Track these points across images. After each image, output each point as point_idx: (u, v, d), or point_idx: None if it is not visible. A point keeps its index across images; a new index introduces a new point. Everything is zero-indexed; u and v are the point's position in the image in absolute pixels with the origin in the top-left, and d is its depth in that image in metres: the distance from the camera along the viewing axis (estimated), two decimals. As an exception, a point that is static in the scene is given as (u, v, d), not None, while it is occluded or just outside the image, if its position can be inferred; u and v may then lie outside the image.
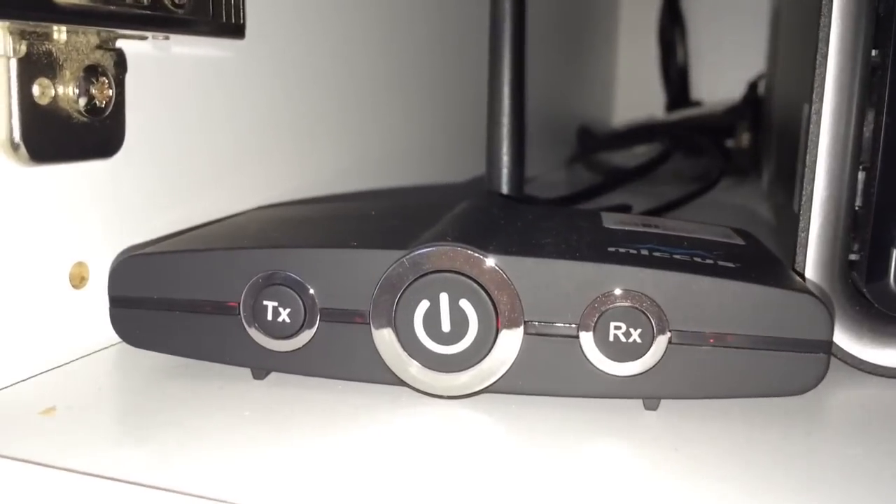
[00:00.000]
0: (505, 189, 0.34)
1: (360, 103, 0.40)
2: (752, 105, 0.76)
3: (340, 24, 0.38)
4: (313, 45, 0.36)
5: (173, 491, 0.18)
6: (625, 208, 0.44)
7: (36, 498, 0.19)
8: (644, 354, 0.22)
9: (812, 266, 0.26)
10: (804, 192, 0.25)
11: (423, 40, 0.46)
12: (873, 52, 0.25)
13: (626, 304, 0.21)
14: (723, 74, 0.86)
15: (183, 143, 0.29)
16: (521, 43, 0.33)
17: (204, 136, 0.30)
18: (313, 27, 0.36)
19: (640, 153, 0.74)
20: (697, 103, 0.90)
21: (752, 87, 0.78)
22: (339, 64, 0.38)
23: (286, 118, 0.35)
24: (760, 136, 0.72)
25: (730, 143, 0.76)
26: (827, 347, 0.21)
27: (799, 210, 0.26)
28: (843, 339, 0.26)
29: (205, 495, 0.18)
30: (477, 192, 0.32)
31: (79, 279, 0.26)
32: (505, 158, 0.34)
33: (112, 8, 0.23)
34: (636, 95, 0.94)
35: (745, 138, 0.76)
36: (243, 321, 0.23)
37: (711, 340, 0.22)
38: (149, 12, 0.24)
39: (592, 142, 0.77)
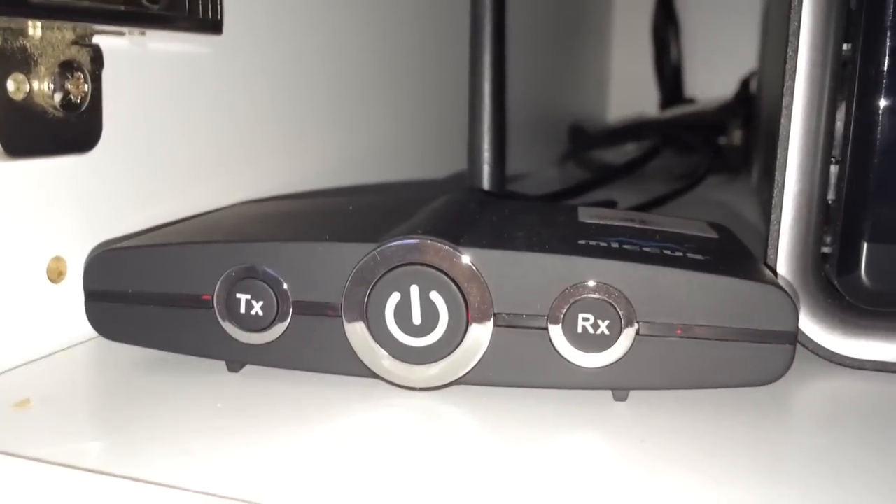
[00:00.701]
0: (486, 185, 0.34)
1: (343, 99, 0.41)
2: (744, 102, 0.77)
3: (321, 20, 0.38)
4: (293, 41, 0.36)
5: (141, 481, 0.18)
6: (610, 204, 0.44)
7: (8, 488, 0.19)
8: (612, 346, 0.22)
9: (784, 259, 0.26)
10: (776, 186, 0.26)
11: (406, 36, 0.46)
12: (844, 47, 0.26)
13: (595, 296, 0.22)
14: (716, 72, 0.86)
15: (161, 139, 0.29)
16: (501, 40, 0.34)
17: (183, 131, 0.30)
18: (293, 23, 0.36)
19: (631, 150, 0.74)
20: (691, 101, 0.91)
21: (744, 84, 0.79)
22: (320, 60, 0.38)
23: (266, 115, 0.35)
24: (751, 132, 0.72)
25: (722, 140, 0.77)
26: (792, 338, 0.22)
27: (768, 190, 0.26)
28: (816, 331, 0.26)
29: (172, 485, 0.18)
30: (458, 188, 0.33)
31: (56, 273, 0.26)
32: (486, 155, 0.34)
33: (86, 3, 0.23)
34: (630, 93, 0.94)
35: (736, 135, 0.76)
36: (217, 314, 0.23)
37: (679, 332, 0.22)
38: (123, 8, 0.25)
39: (584, 139, 0.77)
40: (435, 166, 0.49)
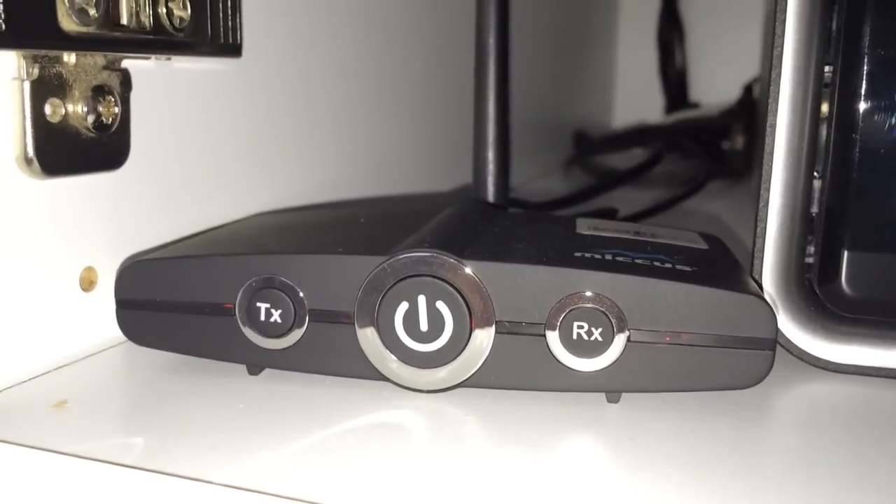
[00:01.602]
0: (490, 197, 0.35)
1: (354, 115, 0.42)
2: (747, 107, 0.78)
3: (332, 39, 0.40)
4: (308, 59, 0.38)
5: (172, 475, 0.20)
6: (610, 212, 0.46)
7: (49, 483, 0.21)
8: (605, 351, 0.23)
9: (769, 269, 0.28)
10: (761, 200, 0.27)
11: (414, 54, 0.48)
12: (826, 69, 0.27)
13: (589, 306, 0.23)
14: (720, 76, 0.87)
15: (185, 154, 0.31)
16: (505, 55, 0.35)
17: (205, 147, 0.32)
18: (308, 43, 0.38)
19: (636, 156, 0.76)
20: (695, 105, 0.92)
21: (748, 89, 0.80)
22: (333, 77, 0.40)
23: (282, 129, 0.37)
24: (754, 137, 0.73)
25: (725, 144, 0.78)
26: (772, 345, 0.23)
27: (756, 217, 0.27)
28: (799, 336, 0.27)
29: (201, 478, 0.20)
30: (462, 199, 0.34)
31: (88, 283, 0.28)
32: (490, 168, 0.36)
33: (117, 34, 0.25)
34: (635, 98, 0.96)
35: (739, 140, 0.77)
36: (238, 321, 0.25)
37: (667, 338, 0.23)
38: (151, 37, 0.27)
39: (588, 145, 0.79)
40: (442, 179, 0.51)
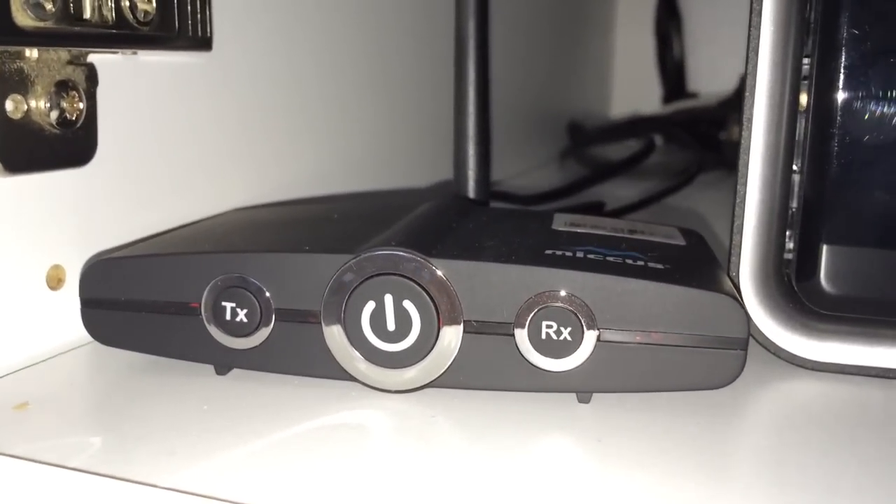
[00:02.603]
0: (471, 192, 0.35)
1: (331, 109, 0.42)
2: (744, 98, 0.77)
3: (308, 31, 0.39)
4: (281, 52, 0.37)
5: (120, 479, 0.19)
6: (597, 206, 0.45)
7: (5, 488, 0.20)
8: (575, 351, 0.23)
9: (747, 266, 0.27)
10: (737, 196, 0.27)
11: (394, 47, 0.48)
12: (805, 62, 0.27)
13: (558, 305, 0.23)
14: (718, 66, 0.87)
15: (154, 150, 0.31)
16: (485, 49, 0.35)
17: (174, 142, 0.32)
18: (281, 35, 0.37)
19: (630, 147, 0.75)
20: (693, 95, 0.91)
21: (744, 80, 0.79)
22: (308, 70, 0.40)
23: (255, 124, 0.36)
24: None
25: (722, 135, 0.77)
26: (744, 344, 0.23)
27: (733, 213, 0.27)
28: (777, 334, 0.27)
29: (159, 485, 0.19)
30: (442, 194, 0.34)
31: (55, 281, 0.27)
32: (471, 162, 0.35)
33: (77, 29, 0.25)
34: (632, 88, 0.95)
35: (735, 131, 0.77)
36: (204, 321, 0.25)
37: (638, 338, 0.23)
38: (114, 31, 0.26)
39: (582, 136, 0.78)
40: (422, 174, 0.50)
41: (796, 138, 0.27)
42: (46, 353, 0.27)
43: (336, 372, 0.24)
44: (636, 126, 0.78)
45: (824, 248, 0.27)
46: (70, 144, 0.27)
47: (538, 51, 0.72)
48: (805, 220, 0.27)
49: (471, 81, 0.34)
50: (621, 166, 0.60)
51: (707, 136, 0.75)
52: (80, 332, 0.27)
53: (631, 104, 0.91)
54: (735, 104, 0.78)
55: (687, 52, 0.92)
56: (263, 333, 0.24)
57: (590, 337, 0.23)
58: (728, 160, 0.73)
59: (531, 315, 0.23)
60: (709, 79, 0.90)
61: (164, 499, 0.19)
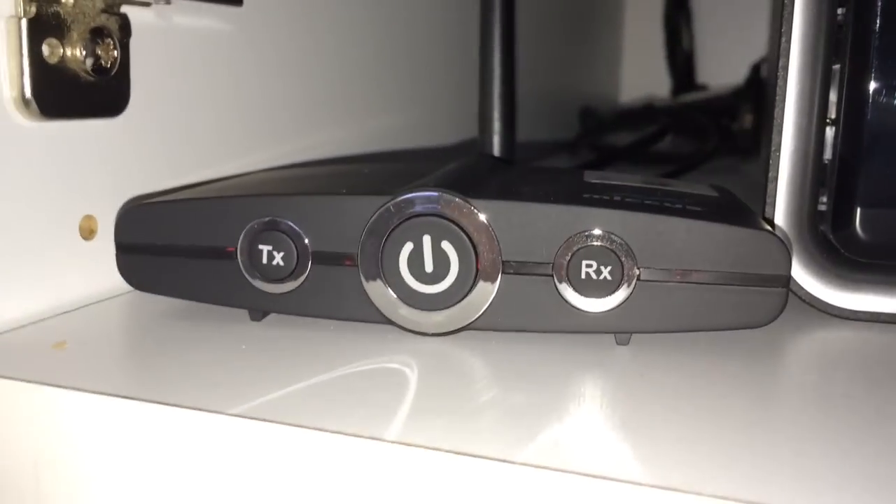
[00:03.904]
0: (497, 149, 0.35)
1: (360, 72, 0.42)
2: (755, 87, 0.77)
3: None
4: (311, 12, 0.37)
5: (175, 405, 0.19)
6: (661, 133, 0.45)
7: (50, 417, 0.20)
8: (614, 291, 0.23)
9: (781, 215, 0.27)
10: (773, 145, 0.27)
11: (419, 8, 0.48)
12: (839, 11, 0.27)
13: (597, 244, 0.23)
14: (727, 58, 0.87)
15: (184, 108, 0.31)
16: (511, 11, 0.35)
17: (205, 102, 0.32)
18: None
19: (641, 133, 0.75)
20: (703, 87, 0.91)
21: (755, 69, 0.79)
22: (338, 31, 0.40)
23: (286, 84, 0.36)
24: (762, 117, 0.73)
25: (734, 125, 0.78)
26: (785, 282, 0.23)
27: (768, 158, 0.27)
28: (812, 284, 0.27)
29: (205, 408, 0.19)
30: (468, 152, 0.34)
31: (88, 231, 0.27)
32: (496, 124, 0.35)
33: (115, -29, 0.25)
34: (641, 80, 0.95)
35: (747, 119, 0.77)
36: (240, 265, 0.25)
37: (678, 277, 0.23)
38: (151, -23, 0.26)
39: (594, 123, 0.79)
40: (447, 135, 0.50)
41: (829, 90, 0.27)
42: (79, 303, 0.27)
43: (373, 315, 0.24)
44: (650, 113, 0.78)
45: (860, 199, 0.27)
46: (104, 93, 0.27)
47: (548, 41, 0.72)
48: (841, 172, 0.27)
49: (496, 41, 0.34)
50: (632, 151, 0.60)
51: (718, 126, 0.75)
52: (112, 283, 0.27)
53: (641, 94, 0.92)
54: (745, 94, 0.78)
55: (696, 44, 0.92)
56: (300, 277, 0.24)
57: (630, 276, 0.23)
58: (739, 148, 0.73)
59: (570, 254, 0.23)
60: (718, 71, 0.90)
61: (212, 422, 0.19)
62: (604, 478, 0.16)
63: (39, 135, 0.25)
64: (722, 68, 0.88)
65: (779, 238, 0.23)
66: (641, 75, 0.95)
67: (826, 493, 0.16)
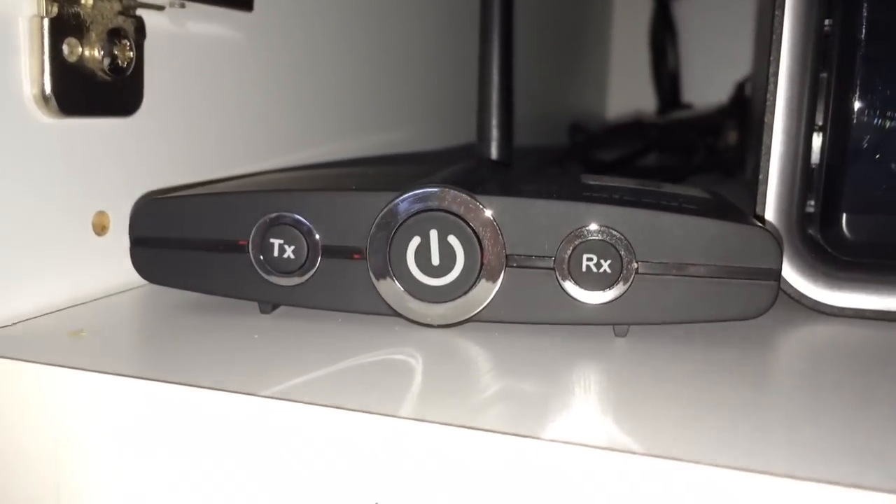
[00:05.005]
0: (495, 153, 0.36)
1: (364, 78, 0.43)
2: (740, 106, 0.79)
3: (343, 2, 0.41)
4: (318, 18, 0.39)
5: (193, 385, 0.20)
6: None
7: (69, 399, 0.21)
8: (614, 284, 0.24)
9: (771, 215, 0.28)
10: (763, 148, 0.28)
11: (422, 15, 0.49)
12: (826, 22, 0.28)
13: (598, 238, 0.24)
14: (713, 77, 0.88)
15: (194, 111, 0.31)
16: (509, 20, 0.36)
17: (214, 105, 0.32)
18: (318, 5, 0.38)
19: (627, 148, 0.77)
20: (688, 106, 0.93)
21: (740, 87, 0.81)
22: (342, 37, 0.41)
23: (292, 91, 0.37)
24: (746, 135, 0.74)
25: (718, 141, 0.79)
26: (776, 275, 0.24)
27: (758, 164, 0.28)
28: (800, 282, 0.28)
29: (225, 388, 0.20)
30: (468, 156, 0.35)
31: (100, 227, 0.28)
32: (494, 132, 0.36)
33: (134, -26, 0.26)
34: (627, 100, 0.97)
35: (732, 136, 0.78)
36: (252, 258, 0.25)
37: (674, 270, 0.24)
38: (167, -20, 0.27)
39: (583, 138, 0.80)
40: (445, 139, 0.52)
41: (818, 96, 0.28)
42: (91, 296, 0.28)
43: (380, 307, 0.25)
44: (637, 129, 0.79)
45: (846, 194, 0.28)
46: (119, 93, 0.28)
47: (538, 58, 0.74)
48: (828, 176, 0.28)
49: (495, 47, 0.35)
50: (619, 165, 0.61)
51: (701, 142, 0.77)
52: (123, 278, 0.28)
53: (627, 112, 0.93)
54: (730, 112, 0.80)
55: (682, 64, 0.94)
56: (309, 270, 0.25)
57: (629, 269, 0.24)
58: (723, 164, 0.74)
59: (572, 248, 0.24)
60: (703, 91, 0.91)
61: (231, 402, 0.19)
62: (609, 449, 0.17)
63: (57, 132, 0.26)
64: (707, 87, 0.90)
65: (770, 233, 0.24)
66: (628, 93, 0.96)
67: (820, 464, 0.17)
